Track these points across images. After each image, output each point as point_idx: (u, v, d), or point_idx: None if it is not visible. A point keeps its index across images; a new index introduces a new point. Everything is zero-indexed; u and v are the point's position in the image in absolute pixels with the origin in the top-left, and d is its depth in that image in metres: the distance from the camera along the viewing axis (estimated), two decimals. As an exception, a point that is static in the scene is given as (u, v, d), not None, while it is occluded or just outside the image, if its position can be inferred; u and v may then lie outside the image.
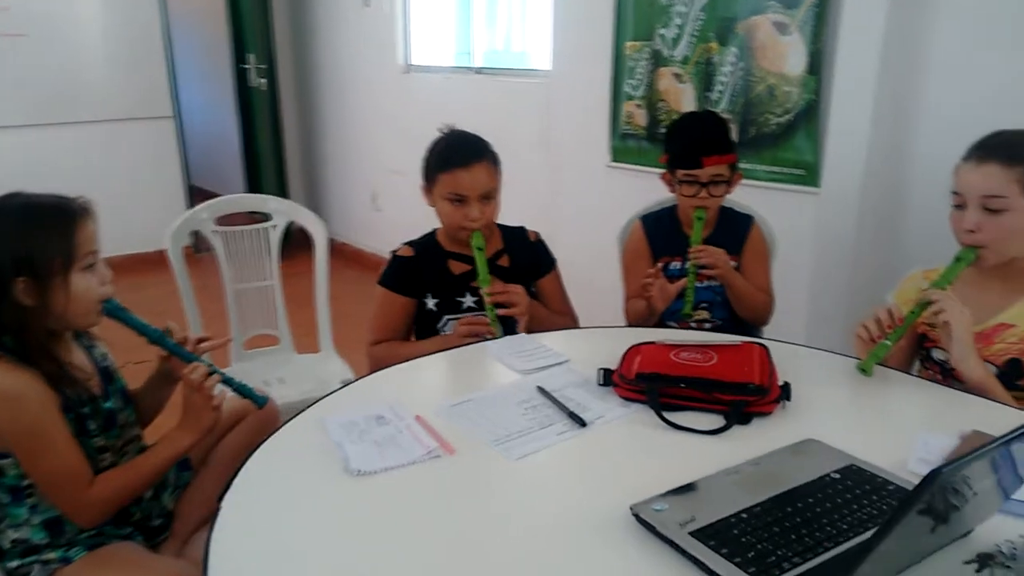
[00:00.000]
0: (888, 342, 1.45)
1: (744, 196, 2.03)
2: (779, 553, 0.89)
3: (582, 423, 1.25)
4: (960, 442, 1.18)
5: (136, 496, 1.40)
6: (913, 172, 2.28)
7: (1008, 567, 0.89)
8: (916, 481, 1.06)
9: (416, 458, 1.15)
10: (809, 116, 2.46)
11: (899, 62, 2.20)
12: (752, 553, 0.89)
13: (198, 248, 2.25)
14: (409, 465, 1.14)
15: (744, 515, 0.97)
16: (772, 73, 2.54)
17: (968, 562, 0.91)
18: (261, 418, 1.67)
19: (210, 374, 1.37)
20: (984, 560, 0.91)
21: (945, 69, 2.14)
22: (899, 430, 1.28)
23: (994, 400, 1.39)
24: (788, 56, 2.48)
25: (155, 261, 4.44)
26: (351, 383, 1.46)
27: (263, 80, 5.04)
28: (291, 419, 1.29)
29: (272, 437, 1.23)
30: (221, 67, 5.21)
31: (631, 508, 0.99)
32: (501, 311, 1.73)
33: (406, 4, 4.29)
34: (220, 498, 1.06)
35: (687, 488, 1.04)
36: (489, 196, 1.81)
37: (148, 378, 1.53)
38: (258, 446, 1.20)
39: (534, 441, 1.20)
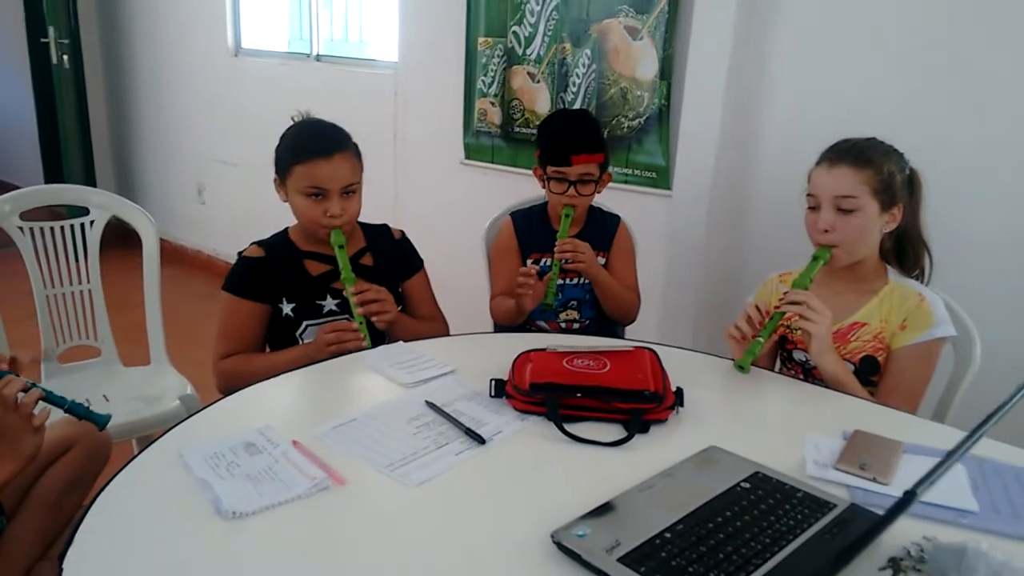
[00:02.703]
0: (761, 339, 1.49)
1: (600, 197, 2.04)
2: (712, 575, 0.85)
3: (481, 440, 1.16)
4: (845, 442, 1.22)
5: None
6: (757, 176, 2.38)
7: (919, 570, 0.91)
8: (817, 485, 1.09)
9: (301, 492, 1.00)
10: (660, 121, 2.51)
11: (746, 71, 2.29)
12: (686, 577, 0.85)
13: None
14: (293, 501, 0.99)
15: (668, 535, 0.92)
16: (625, 77, 2.57)
17: (882, 568, 0.92)
18: (90, 447, 1.45)
19: (28, 388, 1.15)
20: (896, 564, 0.92)
21: (786, 78, 2.25)
22: (787, 431, 1.30)
23: (850, 394, 1.46)
24: (640, 61, 2.52)
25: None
26: (210, 405, 1.27)
27: (66, 57, 4.47)
28: (139, 453, 1.10)
29: (119, 477, 1.03)
30: (15, 41, 4.59)
31: (552, 535, 0.92)
32: (365, 311, 1.60)
33: (235, -18, 3.97)
34: (61, 557, 0.87)
35: (605, 508, 0.98)
36: (351, 191, 1.67)
37: None
38: (103, 487, 1.01)
39: (432, 464, 1.10)
